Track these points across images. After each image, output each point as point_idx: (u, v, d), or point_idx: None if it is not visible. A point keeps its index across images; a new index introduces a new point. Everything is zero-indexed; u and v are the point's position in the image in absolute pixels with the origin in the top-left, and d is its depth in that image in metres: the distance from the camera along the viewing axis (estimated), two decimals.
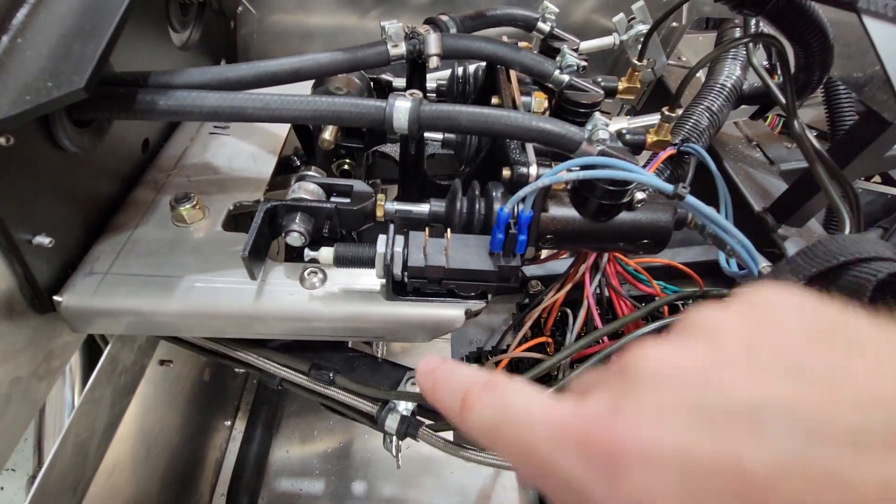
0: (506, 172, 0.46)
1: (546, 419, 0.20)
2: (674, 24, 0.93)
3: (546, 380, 0.49)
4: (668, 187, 0.35)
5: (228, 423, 1.27)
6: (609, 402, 0.18)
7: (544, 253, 0.65)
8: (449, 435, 0.47)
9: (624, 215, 0.46)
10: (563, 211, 0.46)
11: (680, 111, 0.70)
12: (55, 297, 0.43)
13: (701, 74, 0.79)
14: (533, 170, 0.45)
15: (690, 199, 0.35)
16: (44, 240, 0.39)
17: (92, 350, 0.85)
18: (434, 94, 0.68)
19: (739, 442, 0.15)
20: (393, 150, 0.66)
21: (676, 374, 0.18)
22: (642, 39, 0.69)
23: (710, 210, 0.36)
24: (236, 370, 1.30)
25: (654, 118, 0.67)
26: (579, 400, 0.20)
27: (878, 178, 1.39)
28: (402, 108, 0.43)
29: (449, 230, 0.43)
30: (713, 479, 0.15)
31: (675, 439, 0.16)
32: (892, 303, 0.30)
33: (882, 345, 0.16)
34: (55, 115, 0.38)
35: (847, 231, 0.45)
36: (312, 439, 1.34)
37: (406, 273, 0.43)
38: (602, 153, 0.41)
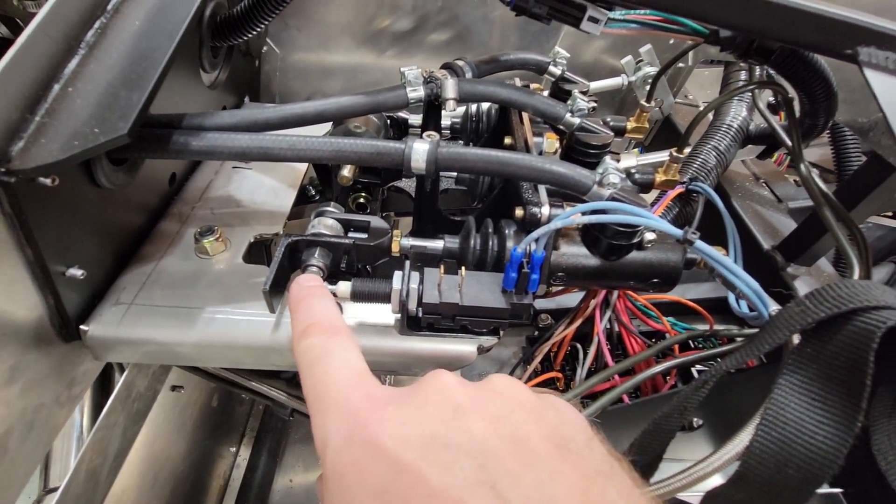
0: (518, 212, 0.47)
1: (343, 388, 0.27)
2: (680, 64, 0.96)
3: None
4: (678, 232, 0.36)
5: (233, 449, 1.26)
6: (392, 396, 0.26)
7: (555, 288, 0.66)
8: None
9: (634, 255, 0.47)
10: (574, 249, 0.48)
11: (688, 150, 0.72)
12: (82, 327, 0.44)
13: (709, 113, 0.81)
14: (545, 210, 0.46)
15: (700, 244, 0.36)
16: (76, 272, 0.41)
17: (103, 377, 0.86)
18: (448, 132, 0.71)
19: (431, 465, 0.22)
20: (408, 184, 0.68)
21: (441, 405, 0.25)
22: (650, 81, 0.72)
23: (719, 255, 0.37)
24: (243, 395, 1.30)
25: (662, 155, 0.68)
26: (376, 388, 0.27)
27: (889, 213, 1.39)
28: (420, 150, 0.45)
29: (463, 267, 0.45)
30: (399, 475, 0.22)
31: (406, 449, 0.23)
32: None
33: None
34: (96, 156, 0.40)
35: (856, 274, 0.45)
36: (316, 468, 1.33)
37: (421, 309, 0.44)
38: (612, 197, 0.43)
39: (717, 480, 0.36)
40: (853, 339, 0.31)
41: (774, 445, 0.33)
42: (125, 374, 0.62)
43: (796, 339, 0.36)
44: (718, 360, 0.41)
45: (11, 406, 0.39)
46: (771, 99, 0.79)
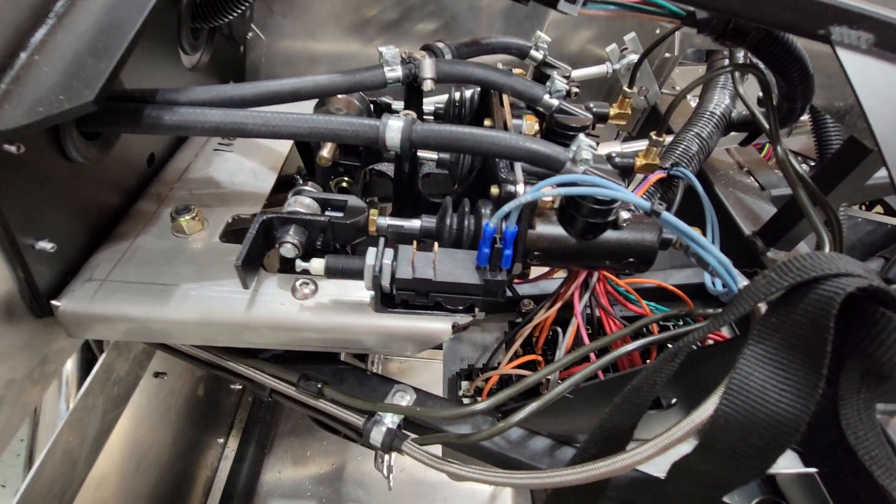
0: (494, 190, 0.47)
1: None
2: (667, 54, 0.96)
3: (533, 394, 0.49)
4: (646, 204, 0.36)
5: (221, 440, 1.26)
6: None
7: (536, 272, 0.66)
8: (433, 449, 0.48)
9: (609, 234, 0.47)
10: (550, 228, 0.48)
11: (668, 137, 0.72)
12: (53, 302, 0.44)
13: (694, 101, 0.81)
14: (520, 188, 0.46)
15: (666, 215, 0.36)
16: (46, 245, 0.41)
17: (88, 361, 0.86)
18: (431, 117, 0.70)
19: None
20: (389, 168, 0.68)
21: None
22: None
23: (687, 228, 0.37)
24: (231, 387, 1.30)
25: (646, 143, 0.69)
26: None
27: (879, 209, 1.40)
28: (395, 127, 0.45)
29: (436, 244, 0.45)
30: None
31: None
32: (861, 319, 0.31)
33: None
34: (65, 127, 0.40)
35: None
36: (305, 460, 1.33)
37: (394, 285, 0.44)
38: (586, 173, 0.43)
39: (685, 450, 0.36)
40: (814, 306, 0.31)
41: (738, 414, 0.33)
42: (103, 356, 0.62)
43: (764, 311, 0.36)
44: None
45: None
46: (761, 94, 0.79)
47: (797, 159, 0.59)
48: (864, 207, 1.40)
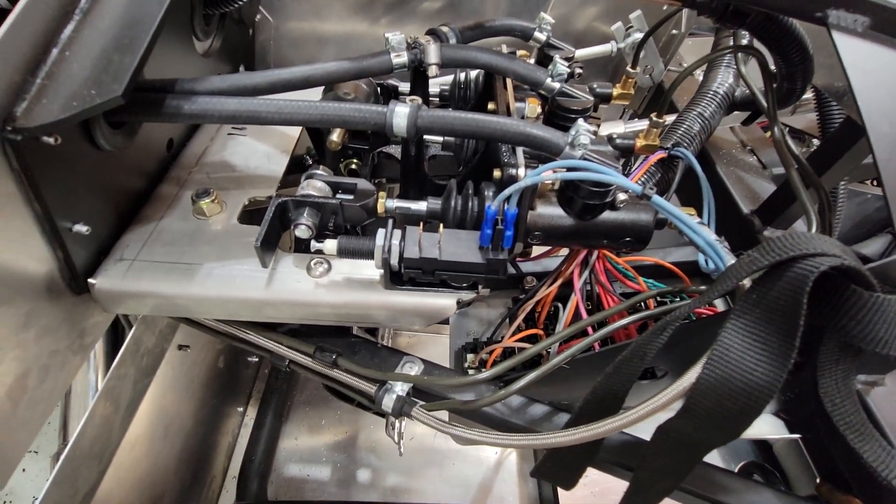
0: (496, 173, 0.50)
1: None
2: (673, 31, 0.95)
3: (534, 365, 0.53)
4: (637, 188, 0.38)
5: (241, 409, 1.33)
6: None
7: (538, 250, 0.69)
8: (440, 414, 0.51)
9: (607, 214, 0.50)
10: (549, 209, 0.50)
11: (668, 118, 0.73)
12: (90, 280, 0.48)
13: (700, 75, 0.82)
14: (521, 171, 0.48)
15: (656, 198, 0.38)
16: (82, 228, 0.44)
17: (115, 337, 0.92)
18: (437, 99, 0.72)
19: None
20: (397, 150, 0.70)
21: None
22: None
23: (676, 210, 0.40)
24: (249, 359, 1.36)
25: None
26: None
27: None
28: (401, 114, 0.47)
29: (441, 225, 0.47)
30: None
31: None
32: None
33: None
34: (94, 118, 0.43)
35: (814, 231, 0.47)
36: (320, 428, 1.40)
37: (402, 264, 0.47)
38: (584, 157, 0.45)
39: (671, 415, 0.39)
40: (790, 284, 0.34)
41: (717, 382, 0.36)
42: (133, 329, 0.66)
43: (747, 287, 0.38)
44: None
45: (28, 349, 0.43)
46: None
47: (805, 138, 0.59)
48: (875, 183, 1.39)
